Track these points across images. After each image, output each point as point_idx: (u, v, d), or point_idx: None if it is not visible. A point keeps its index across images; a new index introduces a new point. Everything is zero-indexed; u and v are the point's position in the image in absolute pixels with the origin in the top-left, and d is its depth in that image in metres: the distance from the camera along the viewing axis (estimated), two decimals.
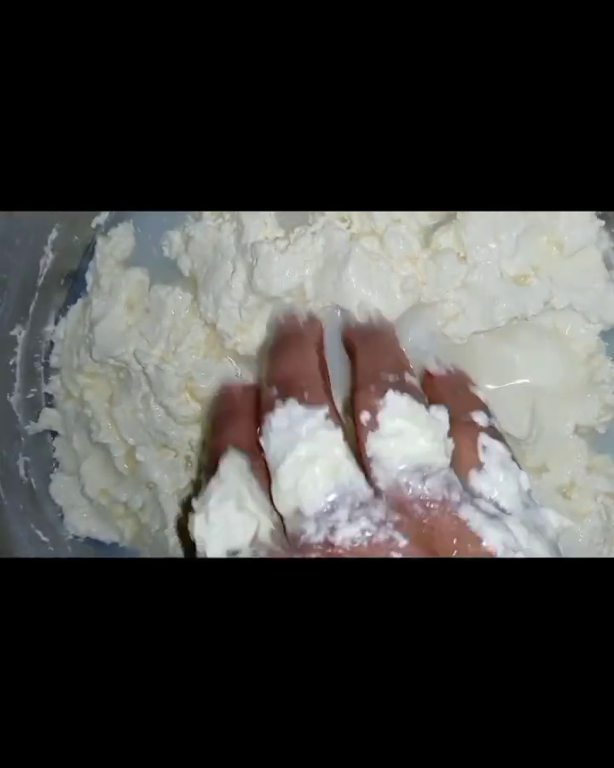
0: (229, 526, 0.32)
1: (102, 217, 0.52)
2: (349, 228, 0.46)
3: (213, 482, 0.33)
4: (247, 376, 0.46)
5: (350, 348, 0.41)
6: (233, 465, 0.34)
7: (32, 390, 0.53)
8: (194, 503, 0.33)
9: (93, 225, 0.52)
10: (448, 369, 0.42)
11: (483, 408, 0.38)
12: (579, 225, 0.46)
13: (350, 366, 0.40)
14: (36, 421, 0.53)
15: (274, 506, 0.34)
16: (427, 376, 0.42)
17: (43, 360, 0.53)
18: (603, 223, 0.47)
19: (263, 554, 0.32)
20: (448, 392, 0.39)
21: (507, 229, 0.46)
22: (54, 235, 0.50)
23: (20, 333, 0.50)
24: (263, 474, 0.35)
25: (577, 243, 0.47)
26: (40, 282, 0.51)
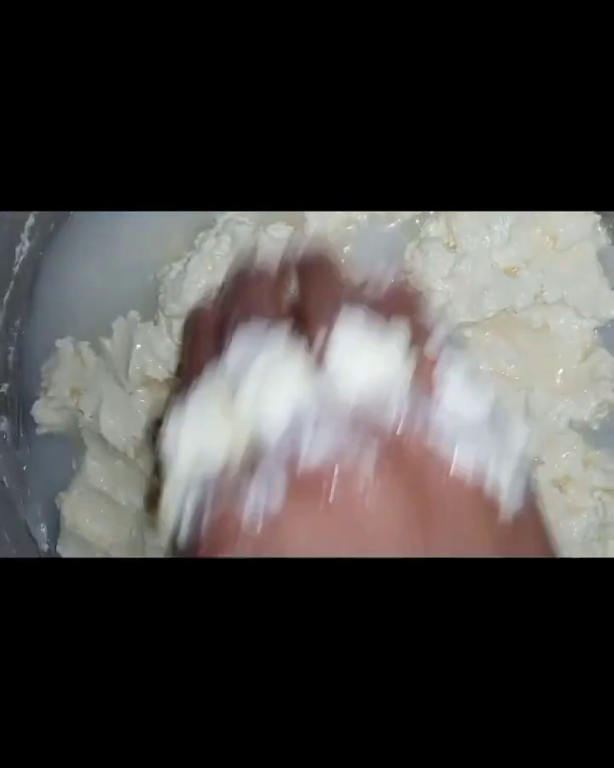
0: (207, 429, 0.31)
1: None
2: None
3: (190, 393, 0.33)
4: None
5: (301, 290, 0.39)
6: (248, 334, 0.34)
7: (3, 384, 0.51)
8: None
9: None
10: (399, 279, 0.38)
11: (442, 320, 0.35)
12: (574, 218, 0.46)
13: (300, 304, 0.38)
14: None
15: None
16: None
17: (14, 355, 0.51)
18: (599, 217, 0.47)
19: (231, 471, 0.30)
20: (400, 305, 0.36)
21: (501, 219, 0.46)
22: (31, 221, 0.48)
23: None
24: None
25: (572, 237, 0.47)
26: (15, 270, 0.49)
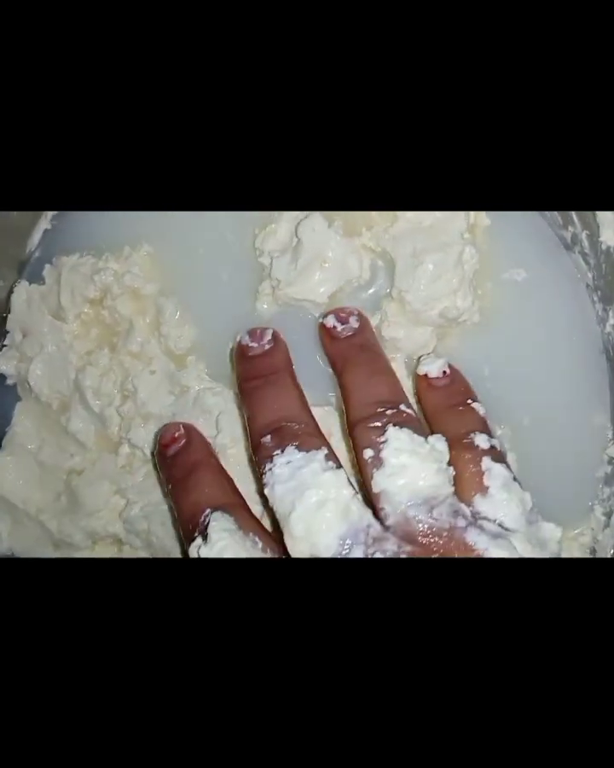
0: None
1: None
2: None
3: (206, 554, 0.34)
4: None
5: (335, 366, 0.40)
6: (222, 529, 0.35)
7: None
8: None
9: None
10: (446, 374, 0.40)
11: (485, 428, 0.38)
12: None
13: (340, 387, 0.39)
14: None
15: (278, 551, 0.35)
16: (423, 381, 0.40)
17: None
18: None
19: None
20: (446, 406, 0.39)
21: None
22: None
23: None
24: (252, 525, 0.37)
25: None
26: None
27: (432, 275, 0.39)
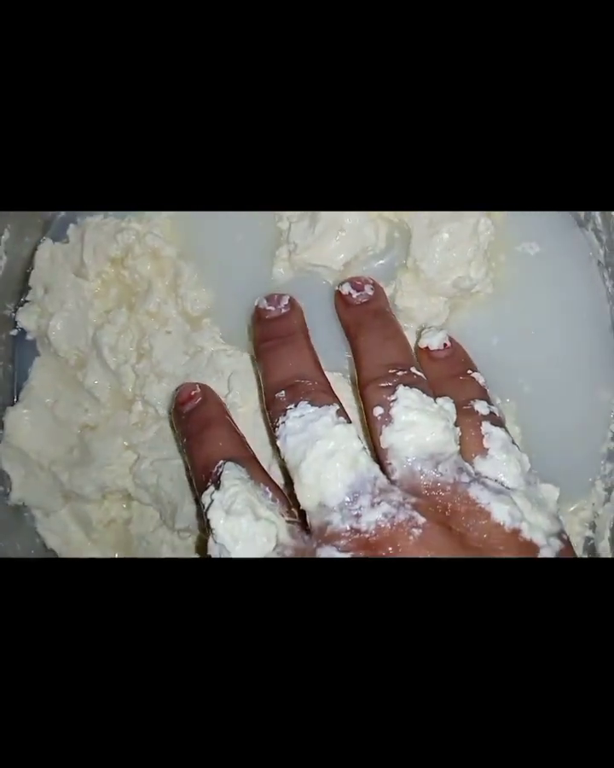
0: (251, 538, 0.34)
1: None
2: None
3: (219, 498, 0.35)
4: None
5: (349, 331, 0.42)
6: (234, 478, 0.36)
7: None
8: (211, 522, 0.34)
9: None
10: (447, 346, 0.41)
11: (484, 396, 0.39)
12: None
13: (352, 350, 0.41)
14: None
15: (287, 504, 0.37)
16: (425, 353, 0.41)
17: None
18: None
19: (288, 553, 0.35)
20: (448, 375, 0.40)
21: None
22: (6, 236, 0.45)
23: None
24: (262, 477, 0.38)
25: None
26: None
27: (448, 243, 0.40)
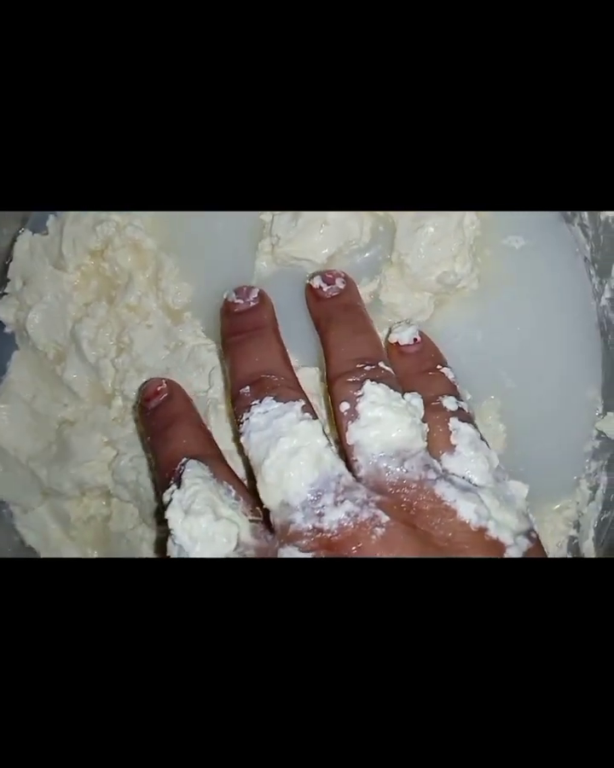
0: (211, 538, 0.33)
1: None
2: None
3: (179, 497, 0.34)
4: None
5: (319, 325, 0.41)
6: (196, 476, 0.35)
7: None
8: (170, 521, 0.33)
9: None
10: (417, 341, 0.40)
11: (453, 391, 0.39)
12: None
13: (322, 345, 0.40)
14: None
15: (252, 502, 0.36)
16: (395, 348, 0.40)
17: None
18: None
19: (251, 553, 0.34)
20: (417, 371, 0.40)
21: None
22: None
23: None
24: (227, 475, 0.37)
25: None
26: None
27: (433, 238, 0.40)
